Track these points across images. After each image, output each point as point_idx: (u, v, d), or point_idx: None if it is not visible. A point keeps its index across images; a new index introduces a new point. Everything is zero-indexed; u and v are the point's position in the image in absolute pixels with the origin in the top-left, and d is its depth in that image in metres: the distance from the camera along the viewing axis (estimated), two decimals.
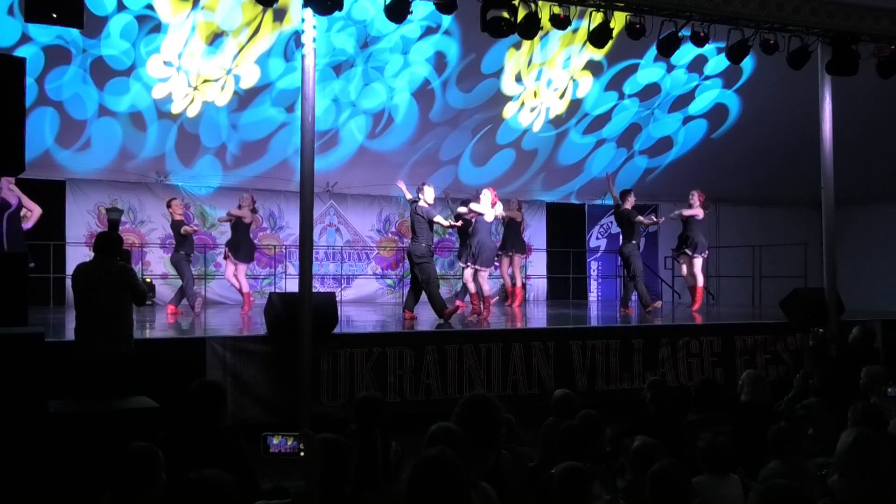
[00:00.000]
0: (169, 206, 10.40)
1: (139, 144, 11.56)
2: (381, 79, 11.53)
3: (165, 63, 10.48)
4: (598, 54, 11.79)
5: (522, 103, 12.47)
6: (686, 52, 10.65)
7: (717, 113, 13.35)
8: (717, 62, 11.89)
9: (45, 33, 9.53)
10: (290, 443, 3.19)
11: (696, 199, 11.15)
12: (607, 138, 13.44)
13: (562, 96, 12.59)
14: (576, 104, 12.73)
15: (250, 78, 10.96)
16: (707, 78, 12.66)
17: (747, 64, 12.05)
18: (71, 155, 11.34)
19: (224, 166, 12.24)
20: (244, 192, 11.07)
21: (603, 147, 13.65)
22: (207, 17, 10.19)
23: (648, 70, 12.10)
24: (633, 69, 12.06)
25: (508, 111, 12.47)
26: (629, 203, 11.09)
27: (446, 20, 10.73)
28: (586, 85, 12.42)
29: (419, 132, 12.51)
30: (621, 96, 12.62)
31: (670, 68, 12.21)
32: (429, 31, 11.04)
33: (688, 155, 14.07)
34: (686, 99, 13.08)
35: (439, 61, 11.50)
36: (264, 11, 10.09)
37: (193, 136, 11.58)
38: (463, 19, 10.28)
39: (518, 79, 12.07)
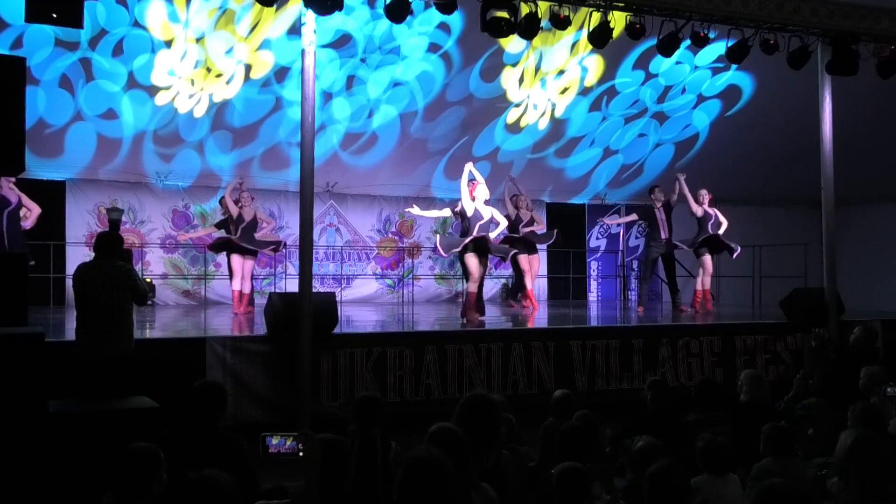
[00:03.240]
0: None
1: (116, 146, 11.50)
2: (370, 89, 11.54)
3: (171, 19, 10.27)
4: (592, 79, 11.98)
5: (511, 104, 12.50)
6: (711, 52, 10.64)
7: (688, 139, 13.60)
8: (729, 76, 11.97)
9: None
10: (289, 443, 3.19)
11: (706, 197, 11.00)
12: (611, 115, 13.32)
13: (543, 114, 12.70)
14: (558, 123, 12.83)
15: (253, 66, 10.92)
16: (704, 99, 12.75)
17: (747, 86, 12.15)
18: (37, 157, 11.19)
19: (208, 160, 12.22)
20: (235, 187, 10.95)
21: (601, 129, 13.65)
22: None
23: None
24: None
25: (505, 83, 12.30)
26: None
27: (449, 42, 10.78)
28: (564, 104, 12.56)
29: (397, 147, 12.58)
30: (648, 75, 12.48)
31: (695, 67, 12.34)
32: (431, 49, 11.08)
33: (688, 155, 14.14)
34: (668, 118, 13.23)
35: (430, 82, 11.56)
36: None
37: (175, 132, 11.51)
38: (465, 45, 10.35)
39: (510, 89, 12.12)
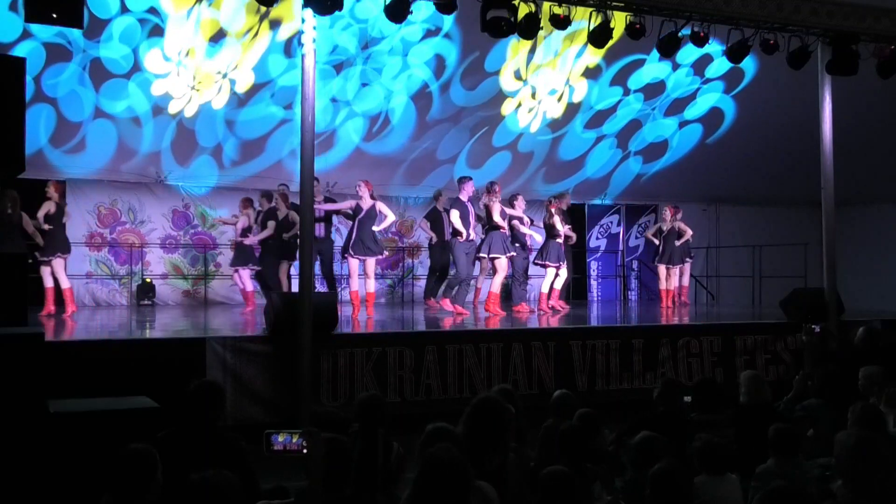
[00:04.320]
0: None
1: (134, 146, 11.52)
2: (380, 80, 11.54)
3: (165, 58, 10.41)
4: (597, 56, 11.84)
5: (520, 104, 12.48)
6: (692, 52, 10.64)
7: (713, 117, 13.41)
8: (721, 63, 11.91)
9: (45, 30, 9.52)
10: (295, 440, 3.20)
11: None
12: (607, 134, 13.41)
13: (559, 99, 12.63)
14: (573, 108, 12.76)
15: (249, 76, 10.93)
16: (708, 81, 12.70)
17: (749, 66, 12.11)
18: (64, 155, 11.28)
19: (221, 165, 12.21)
20: (244, 193, 11.02)
21: (601, 144, 13.63)
22: (212, 15, 10.17)
23: (654, 66, 12.02)
24: (640, 64, 12.01)
25: (507, 108, 12.45)
26: None
27: (447, 23, 10.75)
28: (583, 89, 12.47)
29: (416, 135, 12.55)
30: (626, 92, 12.59)
31: (675, 66, 12.25)
32: (429, 34, 11.05)
33: (688, 155, 14.09)
34: (685, 102, 13.12)
35: (438, 64, 11.52)
36: (265, 14, 10.07)
37: (190, 136, 11.54)
38: (463, 22, 10.32)
39: (518, 76, 12.05)
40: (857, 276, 13.73)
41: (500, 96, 12.21)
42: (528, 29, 7.87)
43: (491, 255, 10.06)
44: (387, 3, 7.39)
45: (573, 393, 5.49)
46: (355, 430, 4.24)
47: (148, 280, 11.98)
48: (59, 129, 10.91)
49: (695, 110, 13.29)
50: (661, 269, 12.39)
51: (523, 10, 7.74)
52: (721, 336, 8.79)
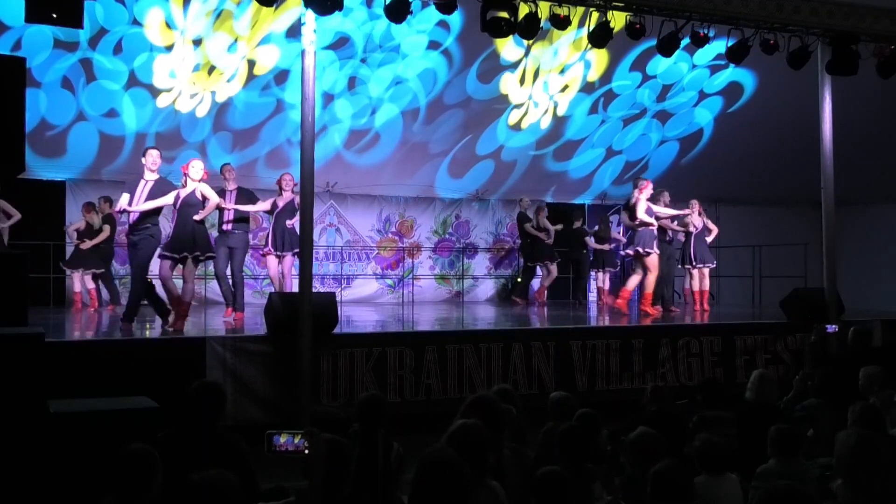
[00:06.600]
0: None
1: (117, 149, 11.50)
2: (371, 86, 11.55)
3: (172, 26, 10.24)
4: (595, 74, 11.96)
5: (511, 101, 12.48)
6: (709, 51, 10.64)
7: (693, 135, 13.61)
8: (728, 73, 11.96)
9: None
10: (296, 440, 3.21)
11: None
12: (610, 118, 13.35)
13: (545, 112, 12.70)
14: (561, 120, 12.84)
15: (248, 66, 10.90)
16: (706, 96, 12.74)
17: (749, 82, 12.15)
18: (40, 157, 11.21)
19: (209, 161, 12.19)
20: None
21: (593, 138, 13.62)
22: (229, 9, 10.12)
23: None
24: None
25: (504, 86, 12.34)
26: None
27: (449, 39, 10.74)
28: (566, 103, 12.58)
29: (401, 145, 12.61)
30: (644, 78, 12.52)
31: (693, 66, 12.31)
32: (431, 46, 11.08)
33: (688, 156, 14.14)
34: (670, 116, 13.25)
35: (432, 80, 11.57)
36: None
37: (178, 132, 11.50)
38: (465, 42, 10.34)
39: (518, 43, 12.00)
40: (857, 276, 13.71)
41: (500, 69, 12.06)
42: (528, 29, 7.88)
43: (645, 250, 9.85)
44: (387, 2, 7.39)
45: (573, 393, 5.49)
46: (355, 431, 4.24)
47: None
48: (40, 129, 10.79)
49: (679, 129, 13.46)
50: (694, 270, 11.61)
51: (523, 10, 7.74)
52: (721, 336, 8.79)
